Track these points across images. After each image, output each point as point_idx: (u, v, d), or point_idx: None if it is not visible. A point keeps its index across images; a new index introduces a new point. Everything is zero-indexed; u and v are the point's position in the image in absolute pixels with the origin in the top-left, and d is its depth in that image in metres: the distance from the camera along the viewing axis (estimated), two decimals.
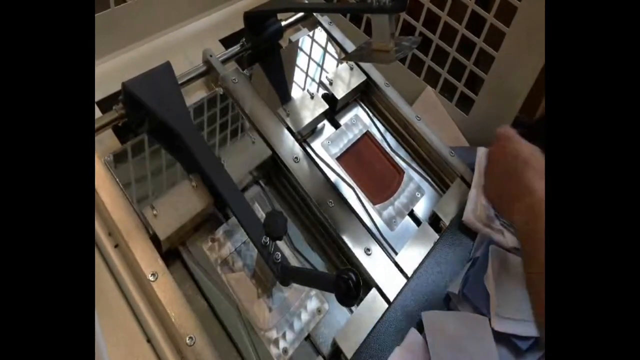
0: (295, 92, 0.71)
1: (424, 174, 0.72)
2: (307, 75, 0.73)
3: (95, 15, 0.68)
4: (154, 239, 0.51)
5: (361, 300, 0.55)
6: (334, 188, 0.62)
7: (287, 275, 0.49)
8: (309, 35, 0.79)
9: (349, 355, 0.49)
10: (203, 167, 0.54)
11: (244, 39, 0.71)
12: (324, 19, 0.80)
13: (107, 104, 0.65)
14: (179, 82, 0.63)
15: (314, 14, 0.80)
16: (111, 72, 0.58)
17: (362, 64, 0.76)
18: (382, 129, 0.74)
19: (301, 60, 0.75)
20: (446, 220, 0.63)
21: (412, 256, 0.60)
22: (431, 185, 0.71)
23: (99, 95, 0.67)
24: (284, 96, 0.71)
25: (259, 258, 0.52)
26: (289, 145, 0.63)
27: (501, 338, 0.51)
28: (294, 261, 0.57)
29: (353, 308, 0.57)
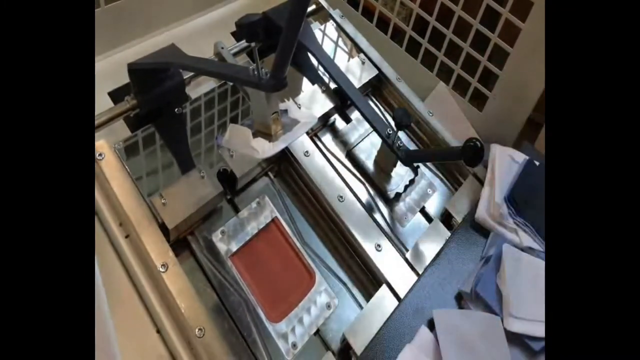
0: (306, 86, 0.71)
1: (436, 170, 0.71)
2: (318, 69, 0.73)
3: (108, 6, 0.68)
4: (163, 228, 0.51)
5: (371, 296, 0.54)
6: (344, 183, 0.61)
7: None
8: (320, 29, 0.79)
9: (359, 351, 0.49)
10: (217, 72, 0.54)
11: None
12: (335, 13, 0.79)
13: (119, 94, 0.65)
14: (191, 75, 0.63)
15: (325, 7, 0.79)
16: (123, 63, 0.58)
17: (373, 58, 0.76)
18: (393, 123, 0.73)
19: None
20: (458, 218, 0.62)
21: (423, 253, 0.59)
22: (443, 182, 0.71)
23: (110, 86, 0.67)
24: (295, 90, 0.70)
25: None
26: (300, 139, 0.62)
27: (513, 338, 0.50)
28: (304, 255, 0.57)
29: (363, 304, 0.56)
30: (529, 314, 0.51)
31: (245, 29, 0.43)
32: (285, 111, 0.48)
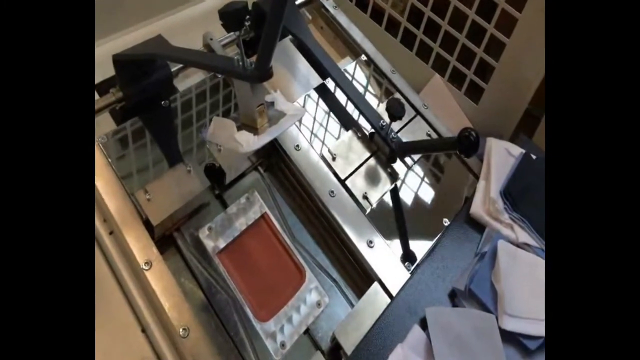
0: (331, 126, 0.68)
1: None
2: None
3: None
4: (147, 224, 0.50)
5: (362, 294, 0.53)
6: (336, 177, 0.60)
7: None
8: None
9: (349, 351, 0.47)
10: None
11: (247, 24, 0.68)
12: (328, 3, 0.77)
13: (105, 87, 0.64)
14: (179, 67, 0.61)
15: None
16: (110, 55, 0.56)
17: (367, 50, 0.74)
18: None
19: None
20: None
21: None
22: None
23: (97, 78, 0.65)
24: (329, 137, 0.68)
25: None
26: (291, 132, 0.61)
27: (508, 337, 0.49)
28: (294, 252, 0.56)
29: (354, 302, 0.55)
30: (525, 312, 0.50)
31: (228, 16, 0.41)
32: (272, 103, 0.46)
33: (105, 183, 0.51)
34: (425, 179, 0.66)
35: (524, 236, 0.57)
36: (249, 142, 0.42)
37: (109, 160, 0.53)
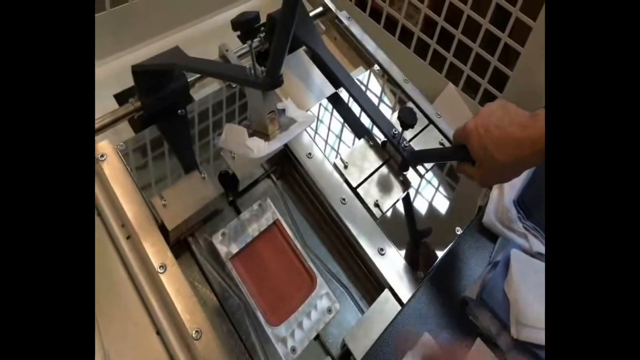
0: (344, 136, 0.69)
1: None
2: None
3: (114, 9, 0.69)
4: (163, 229, 0.51)
5: (373, 301, 0.53)
6: (348, 185, 0.60)
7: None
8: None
9: (359, 357, 0.48)
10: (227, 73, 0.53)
11: (262, 35, 0.70)
12: (342, 15, 0.78)
13: (124, 96, 0.66)
14: (196, 77, 0.63)
15: (332, 9, 0.78)
16: (129, 66, 0.58)
17: (381, 60, 0.74)
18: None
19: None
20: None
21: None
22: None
23: (116, 88, 0.67)
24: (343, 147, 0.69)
25: None
26: (303, 141, 0.62)
27: (521, 347, 0.48)
28: (306, 258, 0.56)
29: (365, 309, 0.55)
30: (538, 321, 0.49)
31: (240, 26, 0.43)
32: (284, 111, 0.47)
33: (123, 189, 0.53)
34: (438, 188, 0.66)
35: (537, 245, 0.56)
36: (260, 148, 0.43)
37: (127, 167, 0.55)
